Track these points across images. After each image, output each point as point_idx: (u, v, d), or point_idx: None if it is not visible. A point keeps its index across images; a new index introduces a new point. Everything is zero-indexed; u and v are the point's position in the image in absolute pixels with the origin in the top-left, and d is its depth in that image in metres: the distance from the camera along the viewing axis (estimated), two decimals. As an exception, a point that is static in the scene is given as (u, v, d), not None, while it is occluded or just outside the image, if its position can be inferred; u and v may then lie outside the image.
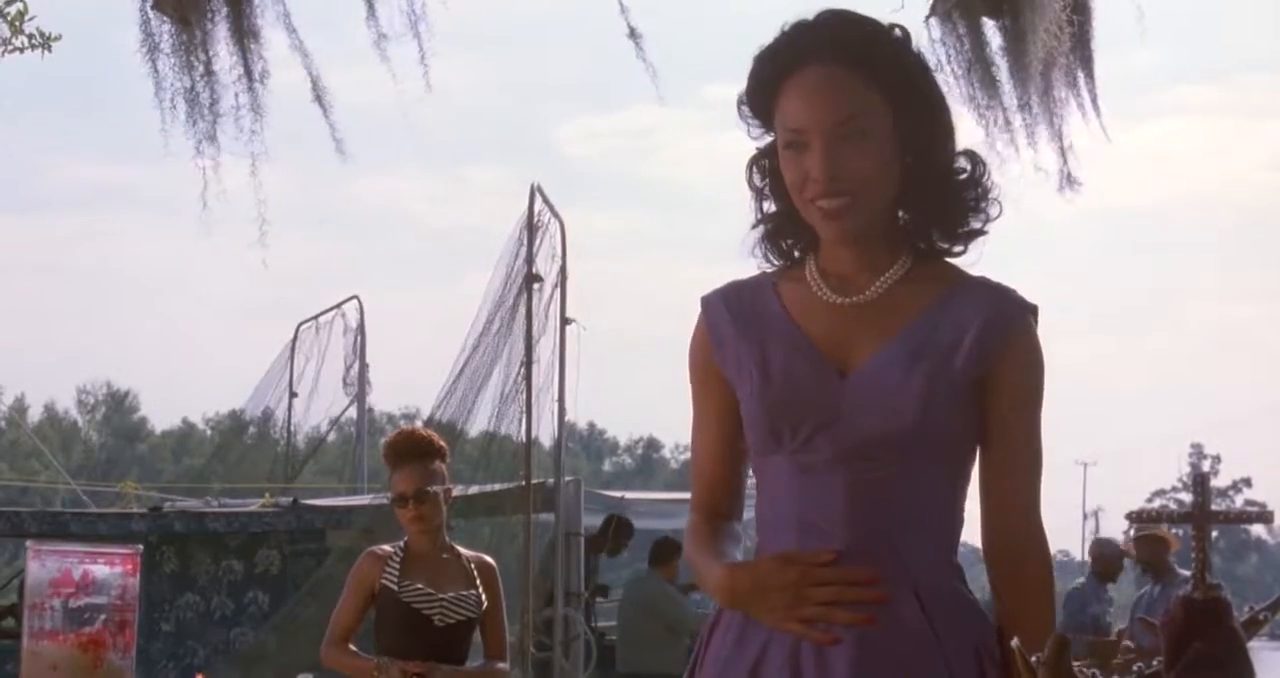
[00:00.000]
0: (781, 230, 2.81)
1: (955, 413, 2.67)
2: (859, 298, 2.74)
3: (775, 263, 2.83)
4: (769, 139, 2.78)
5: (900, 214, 2.76)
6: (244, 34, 7.57)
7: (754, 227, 2.83)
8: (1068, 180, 8.62)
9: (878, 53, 2.69)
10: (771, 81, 2.72)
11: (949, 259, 2.79)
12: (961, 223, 2.76)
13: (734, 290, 2.84)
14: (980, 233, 2.77)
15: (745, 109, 2.78)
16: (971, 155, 2.77)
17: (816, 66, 2.67)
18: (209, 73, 7.56)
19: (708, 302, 2.85)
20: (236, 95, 7.64)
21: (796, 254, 2.82)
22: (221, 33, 7.61)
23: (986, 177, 2.76)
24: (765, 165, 2.80)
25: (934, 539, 2.70)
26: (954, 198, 2.74)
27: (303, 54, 7.66)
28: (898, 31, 2.74)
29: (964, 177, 2.75)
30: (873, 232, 2.72)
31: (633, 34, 7.98)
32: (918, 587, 2.64)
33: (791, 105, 2.69)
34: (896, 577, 2.64)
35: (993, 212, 2.77)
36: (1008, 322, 2.71)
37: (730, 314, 2.81)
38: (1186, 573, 10.12)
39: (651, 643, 12.27)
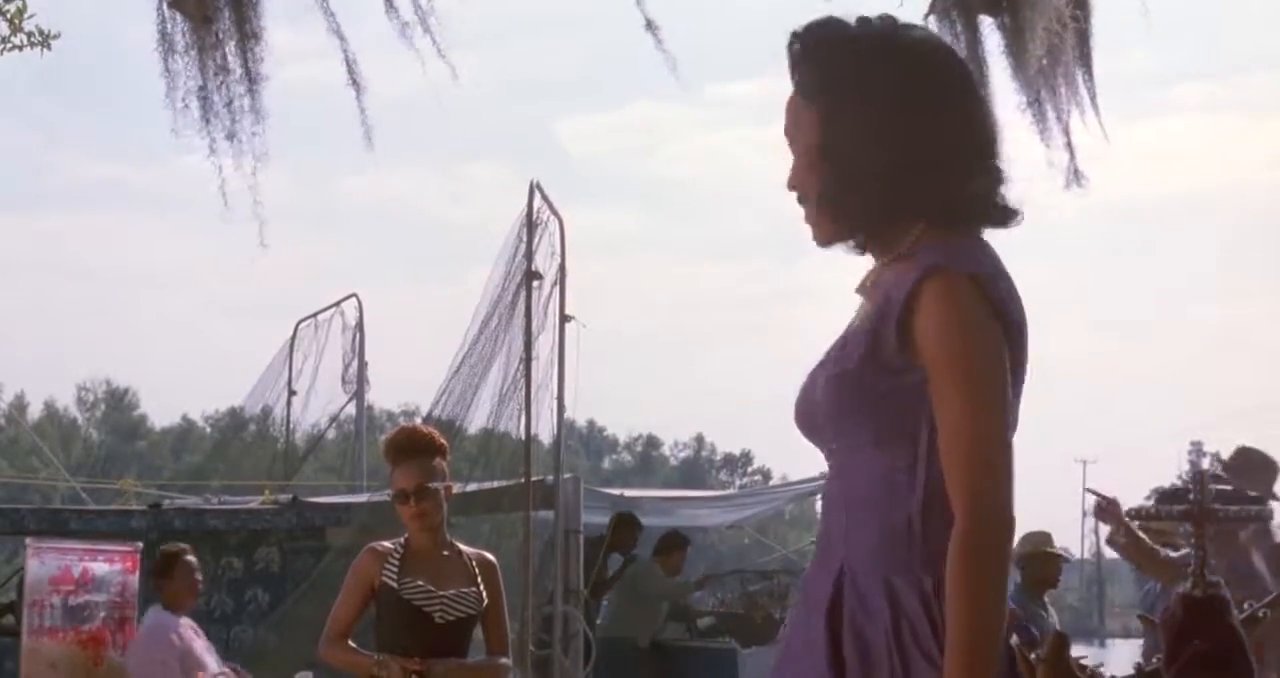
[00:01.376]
0: None
1: (863, 399, 2.68)
2: (861, 288, 2.81)
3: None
4: None
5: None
6: (245, 36, 7.58)
7: None
8: (1075, 176, 8.61)
9: (801, 60, 2.78)
10: None
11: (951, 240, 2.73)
12: (903, 202, 2.72)
13: None
14: (929, 210, 2.71)
15: None
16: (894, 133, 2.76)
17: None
18: (224, 72, 7.58)
19: None
20: (239, 97, 7.66)
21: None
22: (228, 34, 7.63)
23: (913, 149, 2.71)
24: None
25: (871, 522, 2.69)
26: (872, 176, 2.71)
27: (340, 38, 7.65)
28: (814, 30, 2.78)
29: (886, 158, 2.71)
30: (861, 227, 2.76)
31: (650, 26, 7.94)
32: (843, 570, 2.69)
33: None
34: (830, 560, 2.73)
35: (921, 186, 2.71)
36: (910, 288, 2.66)
37: None
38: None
39: (626, 610, 12.55)
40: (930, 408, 2.64)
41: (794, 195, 2.81)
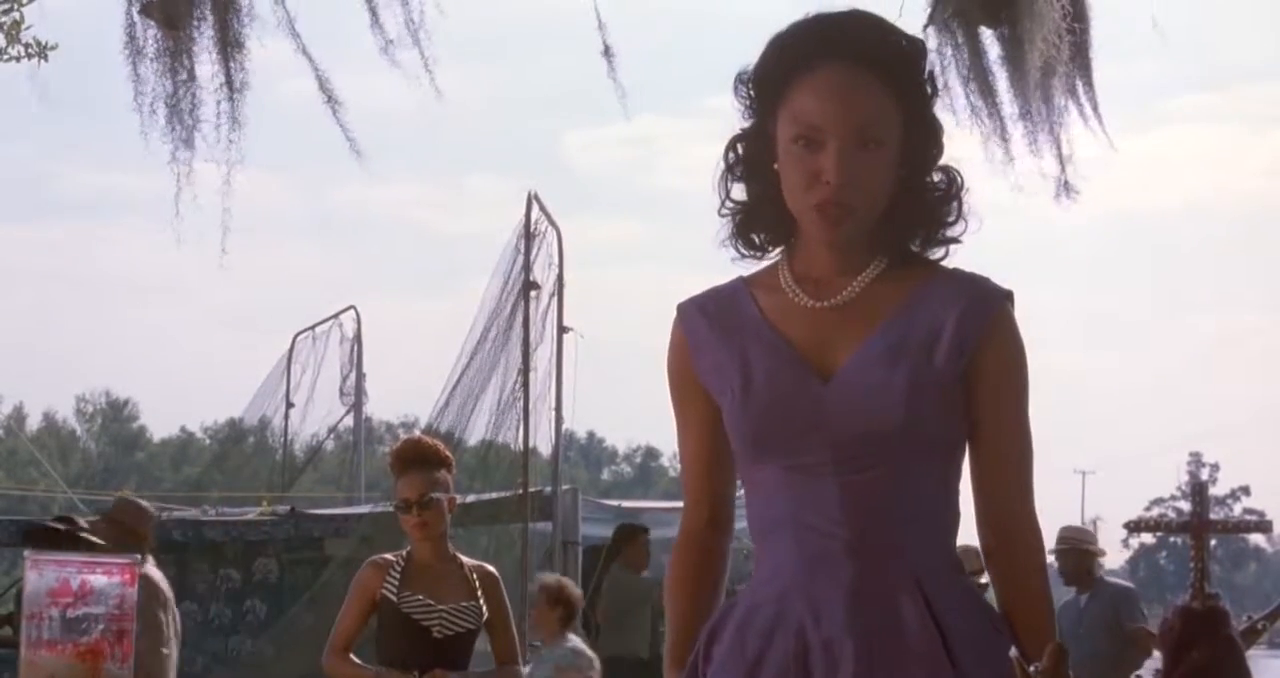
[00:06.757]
0: (754, 221, 2.77)
1: (941, 408, 2.65)
2: (836, 300, 2.71)
3: (743, 254, 2.79)
4: (750, 123, 2.73)
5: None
6: (228, 44, 7.57)
7: (723, 214, 2.78)
8: (1064, 188, 8.63)
9: (899, 62, 2.67)
10: (788, 70, 2.66)
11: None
12: (939, 235, 2.74)
13: (710, 297, 2.82)
14: (954, 241, 2.75)
15: (746, 90, 2.72)
16: (948, 170, 2.75)
17: (841, 65, 2.63)
18: (191, 79, 7.57)
19: (684, 309, 2.83)
20: (218, 103, 7.65)
21: (768, 249, 2.79)
22: (206, 41, 7.62)
23: (964, 192, 2.74)
24: (742, 149, 2.75)
25: (933, 535, 2.69)
26: (934, 212, 2.73)
27: (308, 57, 7.66)
28: (917, 42, 2.72)
29: (940, 193, 2.73)
30: (857, 236, 2.70)
31: (607, 52, 8.05)
32: (922, 583, 2.63)
33: (810, 101, 2.63)
34: (900, 575, 2.64)
35: (959, 228, 2.74)
36: (985, 311, 2.69)
37: (708, 321, 2.79)
38: (1116, 581, 10.00)
39: (615, 626, 12.04)
40: (957, 415, 2.67)
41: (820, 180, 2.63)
